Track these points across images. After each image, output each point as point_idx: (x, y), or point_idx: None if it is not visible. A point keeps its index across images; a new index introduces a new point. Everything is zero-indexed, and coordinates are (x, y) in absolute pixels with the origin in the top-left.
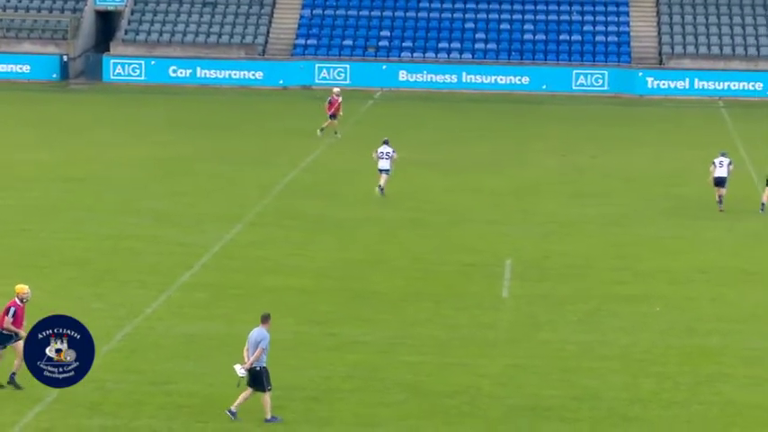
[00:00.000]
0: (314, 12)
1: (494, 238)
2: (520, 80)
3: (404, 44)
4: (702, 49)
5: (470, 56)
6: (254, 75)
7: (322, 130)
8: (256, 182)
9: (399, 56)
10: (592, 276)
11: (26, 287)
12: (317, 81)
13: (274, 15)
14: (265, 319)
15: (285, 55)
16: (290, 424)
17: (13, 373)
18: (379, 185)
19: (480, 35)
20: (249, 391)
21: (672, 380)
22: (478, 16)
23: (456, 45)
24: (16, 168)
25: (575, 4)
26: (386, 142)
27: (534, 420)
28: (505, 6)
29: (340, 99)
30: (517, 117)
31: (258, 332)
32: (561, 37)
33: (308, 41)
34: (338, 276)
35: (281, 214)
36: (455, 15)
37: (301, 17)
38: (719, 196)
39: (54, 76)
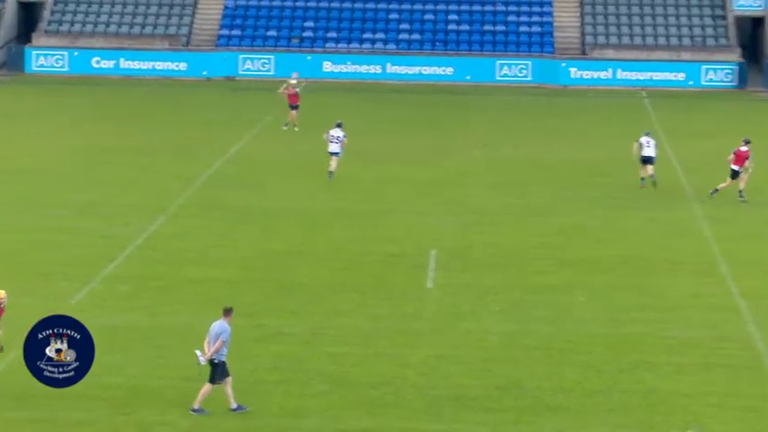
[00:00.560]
0: (238, 2)
1: (418, 228)
2: (444, 71)
3: (328, 35)
4: (625, 40)
5: (395, 46)
6: (177, 66)
7: (287, 124)
8: (180, 173)
9: (324, 46)
10: (515, 266)
11: (2, 292)
12: (240, 72)
13: (198, 6)
14: (227, 312)
15: (209, 46)
16: (217, 416)
17: None
18: (329, 170)
19: (404, 26)
20: (208, 386)
21: (595, 369)
22: (402, 6)
23: (380, 35)
24: None
25: None
26: (338, 125)
27: (458, 410)
28: None
29: (297, 90)
30: (441, 107)
31: (219, 325)
32: (485, 27)
33: (232, 32)
34: (263, 267)
35: (204, 205)
36: (379, 6)
37: (225, 8)
38: (650, 175)
39: None
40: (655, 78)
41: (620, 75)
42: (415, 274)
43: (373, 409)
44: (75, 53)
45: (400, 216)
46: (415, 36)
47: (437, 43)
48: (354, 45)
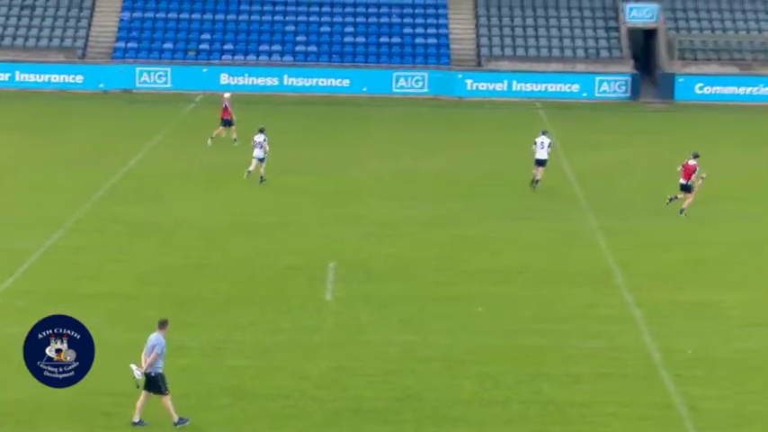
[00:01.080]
0: (134, 14)
1: (318, 240)
2: (341, 82)
3: (225, 47)
4: (520, 51)
5: (291, 58)
6: (73, 78)
7: (212, 138)
8: (77, 186)
9: (220, 58)
10: (415, 278)
11: None
12: (137, 85)
13: (94, 18)
14: (162, 324)
15: (105, 58)
16: (118, 430)
17: None
18: (249, 171)
19: (301, 38)
20: (144, 395)
21: (493, 379)
22: (299, 19)
23: (277, 47)
24: None
25: (394, 7)
26: (261, 130)
27: (358, 422)
28: (325, 9)
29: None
30: (339, 119)
31: (155, 337)
32: (381, 39)
33: (129, 44)
34: (162, 282)
35: (102, 219)
36: (275, 18)
37: (121, 20)
38: (537, 180)
39: None
40: (549, 90)
41: (516, 86)
42: (314, 286)
43: (273, 422)
44: None
45: (299, 228)
46: (312, 48)
47: (334, 55)
48: (251, 57)
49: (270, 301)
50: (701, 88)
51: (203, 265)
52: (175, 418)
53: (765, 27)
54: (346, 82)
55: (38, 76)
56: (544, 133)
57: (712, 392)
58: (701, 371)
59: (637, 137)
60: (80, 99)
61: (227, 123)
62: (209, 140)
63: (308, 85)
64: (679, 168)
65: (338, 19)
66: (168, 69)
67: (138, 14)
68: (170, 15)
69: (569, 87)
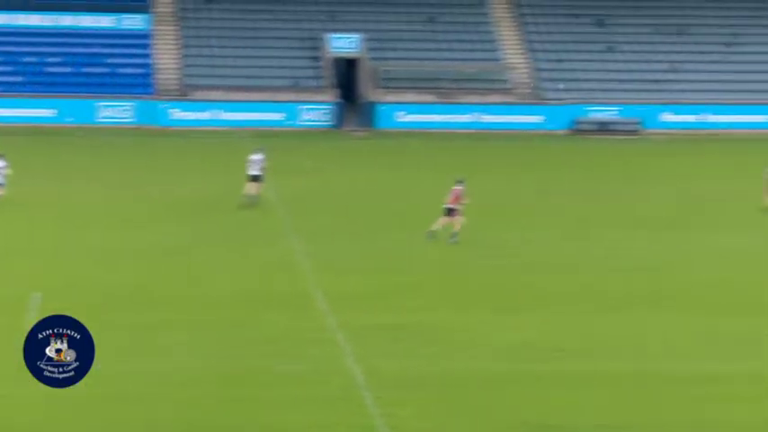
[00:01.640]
0: None
1: (23, 270)
2: (46, 113)
3: None
4: (226, 81)
5: None
6: None
7: None
8: None
9: None
10: (118, 308)
11: None
12: None
13: None
14: None
15: None
16: None
17: None
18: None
19: (5, 68)
20: None
21: (196, 403)
22: (3, 49)
23: None
24: None
25: (98, 38)
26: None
27: None
28: (29, 39)
29: None
30: (47, 150)
31: None
32: (86, 69)
33: None
34: None
35: None
36: None
37: None
38: (252, 195)
39: None
40: (255, 119)
41: (222, 116)
42: (15, 316)
43: None
44: None
45: (4, 259)
46: (16, 78)
47: (38, 85)
48: None
49: None
50: (401, 116)
51: None
52: None
53: (462, 57)
54: (51, 112)
55: None
56: (258, 151)
57: (414, 412)
58: (403, 391)
59: (340, 163)
60: None
61: None
62: None
63: (13, 115)
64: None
65: (42, 48)
66: None
67: None
68: None
69: (275, 116)
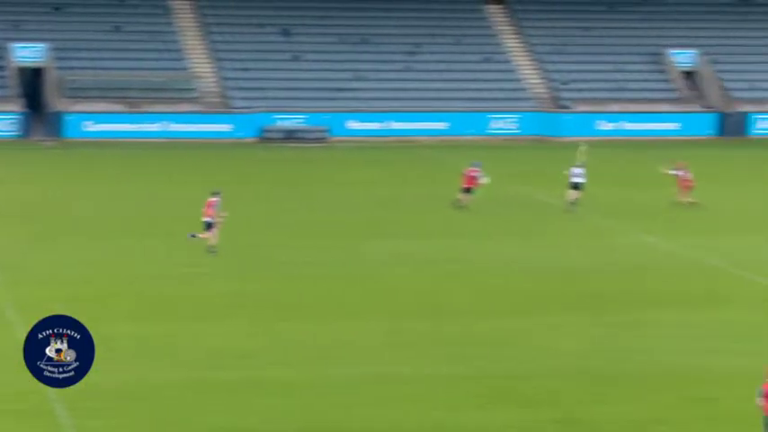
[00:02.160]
0: None
1: None
2: None
3: None
4: None
5: None
6: None
7: None
8: None
9: None
10: None
11: None
12: None
13: None
14: None
15: None
16: None
17: None
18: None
19: None
20: None
21: None
22: None
23: None
24: None
25: None
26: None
27: None
28: None
29: None
30: None
31: None
32: None
33: None
34: None
35: None
36: None
37: None
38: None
39: None
40: None
41: None
42: None
43: None
44: None
45: None
46: None
47: None
48: None
49: None
50: (89, 126)
51: None
52: None
53: (149, 66)
54: None
55: None
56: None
57: (106, 423)
58: (96, 402)
59: (28, 174)
60: None
61: None
62: None
63: None
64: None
65: None
66: None
67: None
68: None
69: None
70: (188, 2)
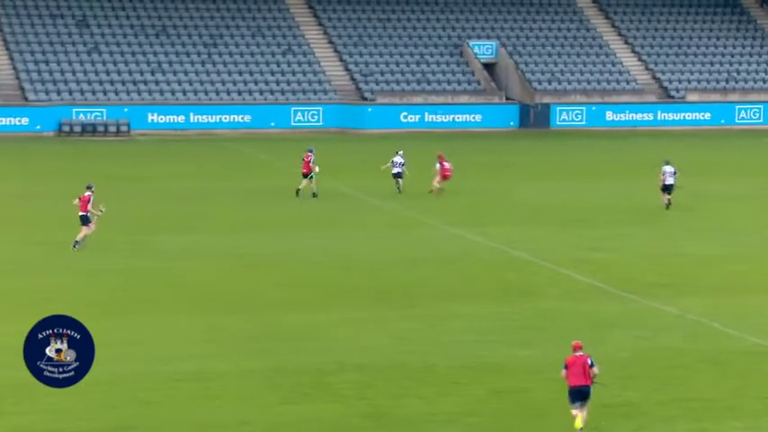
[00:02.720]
0: None
1: None
2: None
3: None
4: None
5: None
6: None
7: None
8: None
9: None
10: None
11: None
12: None
13: None
14: None
15: None
16: None
17: None
18: None
19: None
20: None
21: None
22: None
23: None
24: None
25: None
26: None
27: None
28: None
29: None
30: None
31: None
32: None
33: None
34: None
35: None
36: None
37: None
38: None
39: None
40: None
41: None
42: None
43: None
44: None
45: None
46: None
47: None
48: None
49: None
50: None
51: None
52: None
53: None
54: None
55: None
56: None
57: None
58: None
59: None
60: None
61: None
62: None
63: None
64: (76, 201)
65: None
66: None
67: None
68: None
69: None
70: None
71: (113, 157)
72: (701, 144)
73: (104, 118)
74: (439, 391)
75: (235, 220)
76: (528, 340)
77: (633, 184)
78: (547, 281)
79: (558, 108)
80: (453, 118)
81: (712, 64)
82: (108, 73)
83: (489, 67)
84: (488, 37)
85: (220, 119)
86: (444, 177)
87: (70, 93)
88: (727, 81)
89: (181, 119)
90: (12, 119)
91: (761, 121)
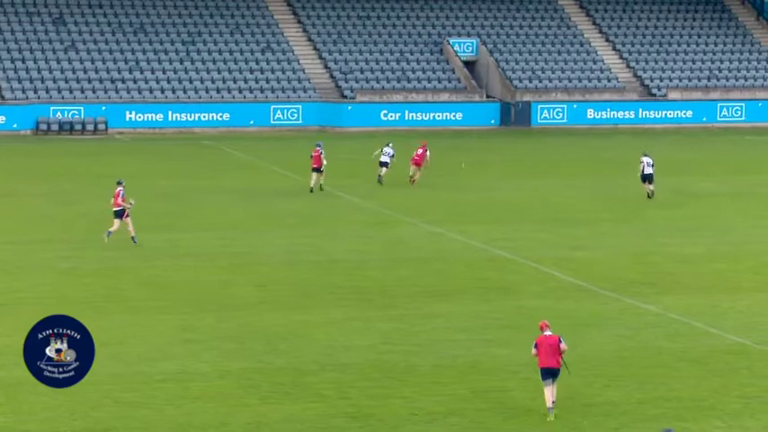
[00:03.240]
0: None
1: None
2: None
3: None
4: None
5: None
6: None
7: None
8: None
9: None
10: None
11: None
12: None
13: None
14: None
15: None
16: None
17: None
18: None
19: None
20: None
21: None
22: None
23: None
24: None
25: None
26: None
27: None
28: None
29: None
30: None
31: None
32: None
33: None
34: None
35: None
36: None
37: None
38: None
39: None
40: None
41: None
42: None
43: None
44: None
45: None
46: None
47: None
48: None
49: None
50: None
51: None
52: None
53: None
54: None
55: None
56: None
57: None
58: None
59: None
60: None
61: None
62: None
63: None
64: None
65: None
66: None
67: None
68: None
69: None
70: None
71: (91, 155)
72: (682, 142)
73: (82, 116)
74: (420, 390)
75: (213, 219)
76: (508, 339)
77: (614, 183)
78: (527, 279)
79: (539, 106)
80: (434, 116)
81: (694, 62)
82: (85, 71)
83: (470, 65)
84: (469, 35)
85: (199, 117)
86: (415, 163)
87: (47, 91)
88: (708, 79)
89: (159, 117)
90: None
91: (742, 118)
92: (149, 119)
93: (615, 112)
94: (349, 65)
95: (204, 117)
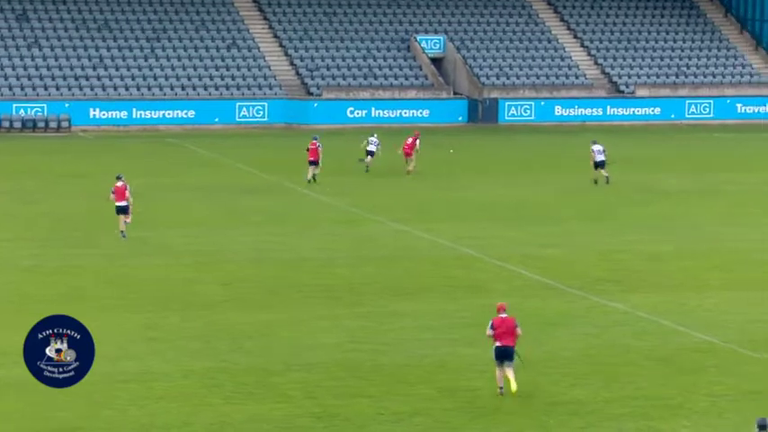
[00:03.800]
0: None
1: None
2: None
3: None
4: None
5: None
6: None
7: None
8: None
9: None
10: None
11: None
12: None
13: None
14: None
15: None
16: None
17: None
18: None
19: None
20: None
21: None
22: None
23: None
24: None
25: None
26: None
27: None
28: None
29: None
30: None
31: None
32: None
33: None
34: None
35: None
36: None
37: None
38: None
39: None
40: None
41: None
42: None
43: None
44: None
45: None
46: None
47: None
48: None
49: None
50: None
51: None
52: None
53: None
54: None
55: None
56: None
57: None
58: None
59: None
60: None
61: None
62: None
63: None
64: (111, 197)
65: None
66: None
67: None
68: None
69: None
70: None
71: (54, 153)
72: (650, 139)
73: (45, 113)
74: (387, 390)
75: (178, 216)
76: (475, 338)
77: (582, 180)
78: (494, 277)
79: (507, 103)
80: (401, 113)
81: (662, 59)
82: (49, 68)
83: (437, 61)
84: (436, 31)
85: (164, 114)
86: (406, 154)
87: (10, 88)
88: (677, 76)
89: (123, 114)
90: None
91: (711, 116)
92: (113, 116)
93: (583, 110)
94: (315, 62)
95: (169, 114)
